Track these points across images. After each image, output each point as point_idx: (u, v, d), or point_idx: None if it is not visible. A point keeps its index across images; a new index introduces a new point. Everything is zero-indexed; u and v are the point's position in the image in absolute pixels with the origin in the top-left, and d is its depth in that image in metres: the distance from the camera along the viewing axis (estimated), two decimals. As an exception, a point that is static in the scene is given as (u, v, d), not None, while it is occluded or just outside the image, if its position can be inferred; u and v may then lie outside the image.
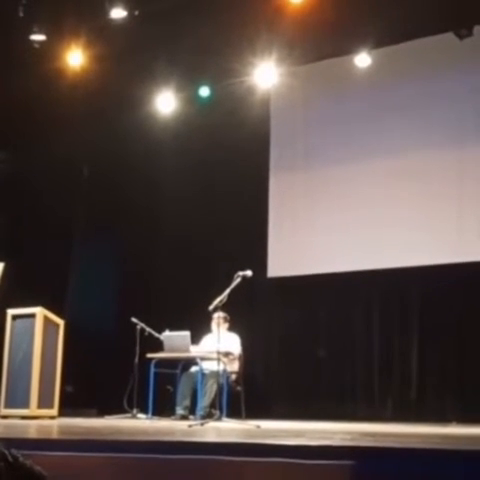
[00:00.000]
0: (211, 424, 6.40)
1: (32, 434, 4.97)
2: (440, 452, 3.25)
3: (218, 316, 7.86)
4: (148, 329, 8.53)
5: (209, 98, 9.74)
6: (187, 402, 7.94)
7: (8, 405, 7.55)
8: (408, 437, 4.74)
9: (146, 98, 9.64)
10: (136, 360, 8.46)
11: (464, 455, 3.14)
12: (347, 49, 8.83)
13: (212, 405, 7.33)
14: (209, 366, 7.68)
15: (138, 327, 8.58)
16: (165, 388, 8.29)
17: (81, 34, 8.50)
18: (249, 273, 6.83)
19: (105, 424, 6.72)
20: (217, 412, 6.80)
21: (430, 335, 8.66)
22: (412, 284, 8.85)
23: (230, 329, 8.22)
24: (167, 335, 7.91)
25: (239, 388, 7.80)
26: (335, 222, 9.23)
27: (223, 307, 6.83)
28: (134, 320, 8.61)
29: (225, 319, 8.00)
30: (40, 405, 7.47)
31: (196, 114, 9.77)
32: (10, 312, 7.79)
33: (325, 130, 9.51)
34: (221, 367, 7.24)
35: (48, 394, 7.56)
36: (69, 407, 8.16)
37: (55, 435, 4.94)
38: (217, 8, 7.89)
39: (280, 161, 9.84)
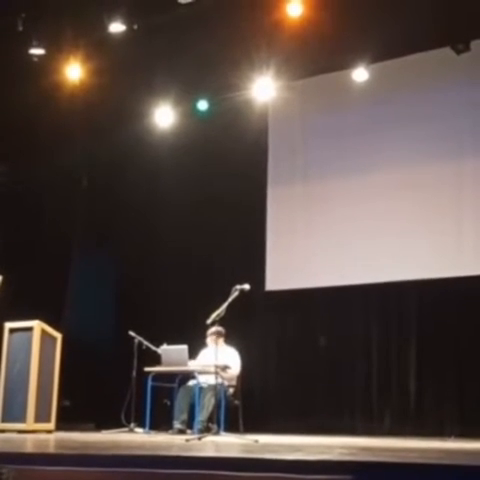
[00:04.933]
0: (209, 438, 6.38)
1: (29, 448, 4.95)
2: (439, 467, 3.24)
3: (212, 332, 7.88)
4: (146, 343, 8.51)
5: (207, 112, 9.77)
6: (185, 416, 7.90)
7: (5, 419, 7.53)
8: (406, 452, 4.72)
9: (145, 111, 9.67)
10: (133, 374, 8.43)
11: (463, 470, 3.13)
12: (345, 63, 8.88)
13: (210, 419, 7.30)
14: (207, 380, 7.66)
15: (136, 341, 8.56)
16: (162, 402, 8.26)
17: (80, 48, 8.55)
18: (247, 287, 6.83)
19: (102, 438, 6.69)
20: (215, 426, 6.77)
21: (428, 349, 8.64)
22: (410, 298, 8.84)
23: (227, 342, 8.21)
24: (165, 349, 7.89)
25: (237, 402, 7.78)
26: (333, 236, 9.24)
27: (221, 321, 6.82)
28: (132, 334, 8.59)
29: (220, 334, 7.96)
30: (37, 419, 7.44)
31: (194, 128, 9.80)
32: (7, 325, 7.77)
33: (323, 143, 9.54)
34: (219, 381, 7.21)
35: (45, 408, 7.53)
36: (66, 421, 8.13)
37: (52, 449, 4.90)
38: (215, 23, 7.94)
39: (278, 174, 9.86)
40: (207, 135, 9.79)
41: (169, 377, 8.13)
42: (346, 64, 8.86)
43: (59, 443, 5.78)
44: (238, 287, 6.80)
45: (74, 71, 8.80)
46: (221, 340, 7.99)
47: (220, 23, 7.94)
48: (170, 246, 10.21)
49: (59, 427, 7.68)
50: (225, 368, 7.62)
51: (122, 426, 8.29)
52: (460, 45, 8.28)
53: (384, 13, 7.69)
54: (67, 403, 8.87)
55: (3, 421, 7.52)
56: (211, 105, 9.72)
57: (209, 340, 8.09)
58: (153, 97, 9.46)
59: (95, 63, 8.67)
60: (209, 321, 6.78)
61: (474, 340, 8.29)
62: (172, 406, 8.12)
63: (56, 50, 8.49)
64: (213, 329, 7.86)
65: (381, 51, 8.53)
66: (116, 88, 8.96)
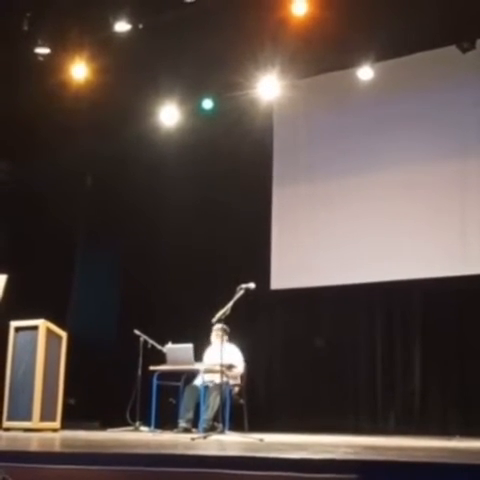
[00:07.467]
0: (214, 437, 6.38)
1: (34, 447, 4.96)
2: (444, 466, 3.24)
3: (218, 328, 7.85)
4: (151, 341, 8.53)
5: (212, 111, 9.78)
6: (190, 415, 7.91)
7: (11, 418, 7.54)
8: (411, 450, 4.72)
9: (150, 110, 9.68)
10: (139, 372, 8.46)
11: (468, 469, 3.13)
12: (350, 62, 8.87)
13: (215, 418, 7.31)
14: (212, 379, 7.67)
15: (141, 339, 8.58)
16: (168, 401, 8.27)
17: (85, 47, 8.55)
18: (252, 285, 6.83)
19: (108, 437, 6.70)
20: (220, 425, 6.78)
21: (433, 348, 8.63)
22: (415, 297, 8.84)
23: (230, 340, 8.20)
24: (170, 347, 7.90)
25: (242, 401, 7.78)
26: (338, 234, 9.23)
27: (226, 319, 6.83)
28: (137, 332, 8.61)
29: (225, 331, 7.98)
30: (43, 418, 7.45)
31: (199, 126, 9.81)
32: (13, 324, 7.79)
33: (328, 142, 9.53)
34: (224, 380, 7.21)
35: (51, 407, 7.54)
36: (72, 420, 8.14)
37: (57, 448, 4.92)
38: (220, 21, 7.93)
39: (283, 173, 9.86)
40: (212, 134, 9.79)
41: (174, 376, 8.14)
42: (351, 63, 8.86)
43: (64, 442, 5.79)
44: (243, 286, 6.80)
45: (79, 70, 8.81)
46: (225, 338, 7.99)
47: (225, 22, 7.94)
48: (174, 245, 10.22)
49: (64, 426, 7.69)
50: (230, 367, 7.63)
51: (127, 425, 8.31)
52: (465, 43, 8.26)
53: (389, 11, 7.68)
54: (72, 402, 8.88)
55: (9, 419, 7.53)
56: (216, 104, 9.73)
57: (214, 335, 8.07)
58: (158, 96, 9.47)
59: (100, 62, 8.68)
60: (214, 320, 6.80)
61: (479, 339, 8.28)
62: (177, 405, 8.13)
63: (61, 49, 8.50)
64: (219, 325, 7.87)
65: (386, 49, 8.53)
66: (121, 87, 8.96)
